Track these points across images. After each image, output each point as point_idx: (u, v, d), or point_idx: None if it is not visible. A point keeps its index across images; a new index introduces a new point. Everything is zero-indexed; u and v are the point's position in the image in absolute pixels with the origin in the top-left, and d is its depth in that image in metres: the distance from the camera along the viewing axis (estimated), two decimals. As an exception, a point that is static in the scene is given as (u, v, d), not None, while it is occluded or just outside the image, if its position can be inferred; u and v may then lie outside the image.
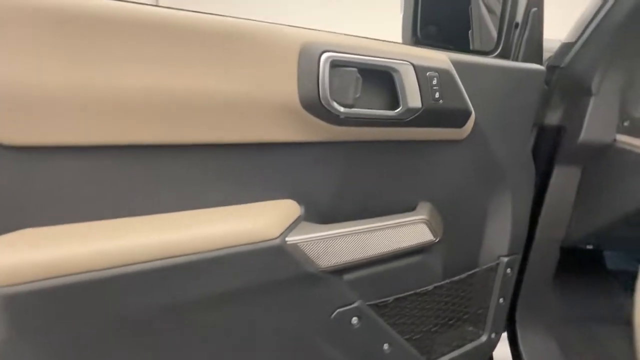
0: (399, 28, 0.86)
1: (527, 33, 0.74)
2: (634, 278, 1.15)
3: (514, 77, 0.74)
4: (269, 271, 0.54)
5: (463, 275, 0.80)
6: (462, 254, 0.81)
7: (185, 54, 0.46)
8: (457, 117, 0.67)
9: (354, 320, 0.64)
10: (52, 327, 0.43)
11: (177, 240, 0.48)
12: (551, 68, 0.82)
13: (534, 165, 0.84)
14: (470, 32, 0.85)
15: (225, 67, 0.49)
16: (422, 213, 0.68)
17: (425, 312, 0.76)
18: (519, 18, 0.74)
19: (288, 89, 0.52)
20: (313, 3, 3.50)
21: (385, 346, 0.69)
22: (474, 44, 0.86)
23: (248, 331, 0.56)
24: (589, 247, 1.08)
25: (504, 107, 0.75)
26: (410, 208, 0.70)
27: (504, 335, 0.96)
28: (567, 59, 0.81)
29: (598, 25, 0.76)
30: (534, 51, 0.76)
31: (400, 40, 0.85)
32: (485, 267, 0.82)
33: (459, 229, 0.77)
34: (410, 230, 0.66)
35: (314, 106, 0.53)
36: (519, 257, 0.87)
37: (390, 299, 0.69)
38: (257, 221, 0.53)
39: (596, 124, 0.81)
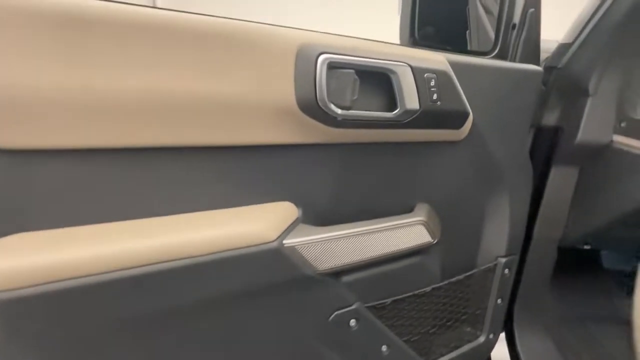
0: (397, 28, 0.86)
1: (524, 34, 0.74)
2: (631, 277, 1.16)
3: (511, 78, 0.74)
4: (266, 274, 0.53)
5: (461, 276, 0.80)
6: (460, 255, 0.81)
7: (181, 55, 0.46)
8: (455, 119, 0.67)
9: (352, 322, 0.64)
10: (49, 332, 0.42)
11: (173, 244, 0.47)
12: (548, 69, 0.82)
13: (531, 166, 0.84)
14: (467, 32, 0.85)
15: (222, 69, 0.48)
16: (419, 214, 0.68)
17: (423, 313, 0.76)
18: (517, 19, 0.74)
19: (285, 90, 0.52)
20: (312, 3, 3.49)
21: (384, 348, 0.69)
22: (472, 45, 0.86)
23: (246, 334, 0.56)
24: (586, 247, 1.08)
25: (501, 108, 0.75)
26: (408, 209, 0.69)
27: (502, 335, 0.96)
28: (565, 59, 0.81)
29: (595, 26, 0.76)
30: (532, 52, 0.76)
31: (397, 41, 0.85)
32: (483, 267, 0.83)
33: (456, 230, 0.77)
34: (408, 232, 0.66)
35: (311, 108, 0.53)
36: (516, 257, 0.87)
37: (389, 300, 0.69)
38: (255, 224, 0.53)
39: (593, 125, 0.82)
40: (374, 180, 0.65)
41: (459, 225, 0.78)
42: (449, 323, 0.82)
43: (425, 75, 0.60)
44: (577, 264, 1.19)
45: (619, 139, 0.83)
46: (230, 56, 0.48)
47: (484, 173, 0.77)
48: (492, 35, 0.76)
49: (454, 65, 0.65)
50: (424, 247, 0.69)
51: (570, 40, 0.80)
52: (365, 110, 0.58)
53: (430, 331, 0.79)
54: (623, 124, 0.82)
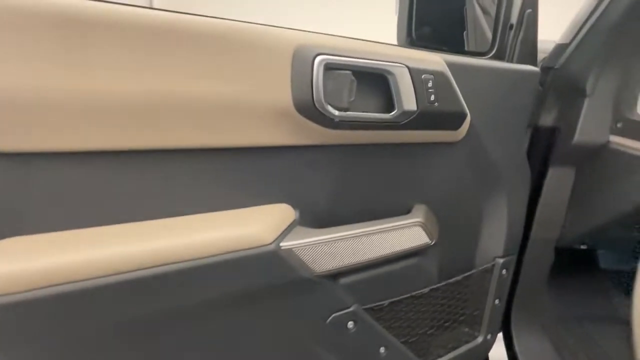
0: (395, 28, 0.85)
1: (521, 34, 0.74)
2: (628, 277, 1.17)
3: (509, 79, 0.74)
4: (263, 277, 0.53)
5: (459, 277, 0.80)
6: (458, 255, 0.81)
7: (175, 56, 0.46)
8: (453, 120, 0.67)
9: (350, 324, 0.64)
10: (47, 336, 0.42)
11: (170, 247, 0.47)
12: (545, 69, 0.82)
13: (529, 167, 0.84)
14: (465, 33, 0.85)
15: (217, 70, 0.48)
16: (417, 216, 0.68)
17: (421, 314, 0.76)
18: (514, 19, 0.74)
19: (282, 92, 0.52)
20: (310, 3, 3.48)
21: (382, 350, 0.69)
22: (469, 45, 0.86)
23: (244, 337, 0.55)
24: (583, 247, 1.08)
25: (499, 108, 0.75)
26: (405, 211, 0.69)
27: (499, 335, 0.96)
28: (562, 60, 0.81)
29: (592, 27, 0.76)
30: (529, 52, 0.76)
31: (395, 41, 0.84)
32: (481, 268, 0.83)
33: (454, 231, 0.77)
34: (406, 233, 0.65)
35: (308, 110, 0.53)
36: (514, 258, 0.87)
37: (386, 302, 0.68)
38: (251, 226, 0.52)
39: (590, 125, 0.82)
40: (371, 182, 0.65)
41: (457, 226, 0.78)
42: (446, 324, 0.82)
43: (422, 76, 0.60)
44: (574, 263, 1.20)
45: (615, 139, 0.83)
46: (225, 57, 0.48)
47: (481, 174, 0.77)
48: (489, 35, 0.76)
49: (451, 66, 0.64)
50: (422, 248, 0.69)
51: (567, 41, 0.80)
52: (363, 112, 0.58)
53: (428, 332, 0.78)
54: (619, 125, 0.83)
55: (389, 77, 0.58)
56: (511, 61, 0.76)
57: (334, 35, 0.56)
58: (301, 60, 0.51)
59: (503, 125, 0.76)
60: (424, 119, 0.61)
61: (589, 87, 0.80)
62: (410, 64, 0.59)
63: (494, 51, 0.75)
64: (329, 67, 0.53)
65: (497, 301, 0.85)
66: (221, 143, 0.51)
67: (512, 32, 0.74)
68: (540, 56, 0.82)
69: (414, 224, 0.66)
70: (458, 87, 0.65)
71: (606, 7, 0.75)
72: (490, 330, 0.86)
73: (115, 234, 0.46)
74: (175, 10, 0.46)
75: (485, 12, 0.82)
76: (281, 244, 0.53)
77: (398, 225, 0.65)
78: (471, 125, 0.70)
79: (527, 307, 0.96)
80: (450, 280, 0.78)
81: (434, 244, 0.70)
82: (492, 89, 0.72)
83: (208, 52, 0.47)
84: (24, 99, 0.40)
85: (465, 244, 0.82)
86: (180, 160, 0.50)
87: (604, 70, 0.80)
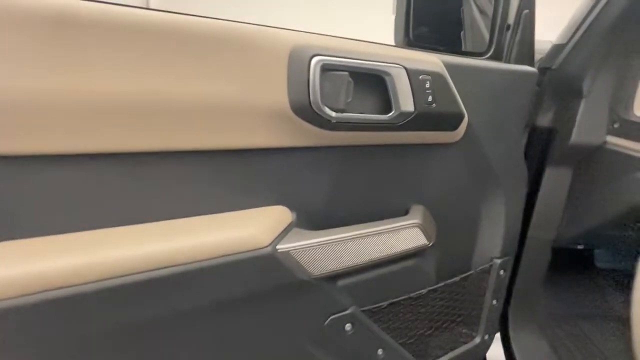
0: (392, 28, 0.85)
1: (518, 35, 0.74)
2: (624, 276, 1.17)
3: (506, 79, 0.74)
4: (260, 280, 0.53)
5: (457, 278, 0.79)
6: (456, 256, 0.81)
7: (171, 57, 0.45)
8: (450, 120, 0.66)
9: (348, 326, 0.63)
10: (40, 341, 0.41)
11: (165, 250, 0.46)
12: (542, 69, 0.82)
13: (526, 167, 0.84)
14: (462, 33, 0.85)
15: (213, 71, 0.47)
16: (415, 217, 0.67)
17: (419, 315, 0.75)
18: (511, 20, 0.74)
19: (278, 93, 0.51)
20: (307, 3, 3.47)
21: (379, 351, 0.69)
22: (466, 45, 0.85)
23: (240, 340, 0.55)
24: (579, 246, 1.09)
25: (496, 109, 0.74)
26: (403, 212, 0.69)
27: (497, 335, 0.96)
28: (559, 60, 0.81)
29: (589, 27, 0.76)
30: (526, 53, 0.76)
31: (392, 41, 0.84)
32: (478, 269, 0.82)
33: (452, 232, 0.77)
34: (403, 234, 0.65)
35: (305, 111, 0.52)
36: (511, 258, 0.87)
37: (384, 303, 0.68)
38: (248, 229, 0.52)
39: (587, 126, 0.82)
40: (368, 183, 0.65)
41: (455, 227, 0.78)
42: (444, 325, 0.81)
43: (420, 77, 0.60)
44: (570, 263, 1.20)
45: (612, 139, 0.83)
46: (221, 58, 0.47)
47: (479, 174, 0.77)
48: (486, 36, 0.76)
49: (448, 66, 0.64)
50: (420, 249, 0.68)
51: (564, 41, 0.80)
52: (360, 113, 0.57)
53: (426, 333, 0.78)
54: (616, 125, 0.83)
55: (386, 78, 0.58)
56: (508, 62, 0.75)
57: (330, 36, 0.56)
58: (297, 61, 0.51)
59: (500, 125, 0.76)
60: (421, 120, 0.61)
61: (585, 88, 0.80)
62: (408, 65, 0.59)
63: (491, 51, 0.75)
64: (325, 68, 0.53)
65: (494, 301, 0.85)
66: (217, 145, 0.50)
67: (509, 32, 0.74)
68: (537, 56, 0.82)
69: (412, 225, 0.66)
70: (455, 87, 0.65)
71: (603, 8, 0.75)
72: (488, 331, 0.86)
73: (110, 238, 0.46)
74: (173, 10, 0.46)
75: (482, 12, 0.82)
76: (278, 247, 0.53)
77: (396, 226, 0.64)
78: (469, 126, 0.70)
79: (524, 306, 0.96)
80: (448, 281, 0.78)
81: (431, 245, 0.70)
82: (490, 89, 0.72)
83: (203, 53, 0.46)
84: (18, 100, 0.39)
85: (463, 244, 0.82)
86: (176, 162, 0.49)
87: (601, 71, 0.80)
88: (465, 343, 0.84)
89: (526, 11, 0.73)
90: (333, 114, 0.54)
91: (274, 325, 0.57)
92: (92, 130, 0.43)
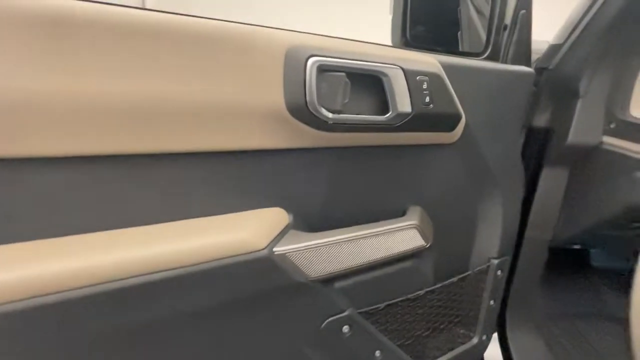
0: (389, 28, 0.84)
1: (515, 35, 0.74)
2: (620, 275, 1.18)
3: (503, 80, 0.74)
4: (257, 283, 0.52)
5: (454, 279, 0.79)
6: (453, 257, 0.81)
7: (166, 57, 0.44)
8: (448, 121, 0.66)
9: (345, 328, 0.63)
10: (33, 346, 0.40)
11: (160, 254, 0.46)
12: (539, 70, 0.82)
13: (523, 167, 0.84)
14: (459, 33, 0.84)
15: (208, 71, 0.47)
16: (412, 218, 0.67)
17: (416, 317, 0.75)
18: (508, 20, 0.74)
19: (274, 94, 0.51)
20: (305, 3, 3.46)
21: (377, 353, 0.69)
22: (463, 46, 0.85)
23: (237, 344, 0.54)
24: (576, 246, 1.09)
25: (493, 109, 0.74)
26: (400, 213, 0.69)
27: (494, 335, 0.96)
28: (555, 60, 0.81)
29: (586, 27, 0.76)
30: (523, 53, 0.76)
31: (389, 41, 0.84)
32: (476, 270, 0.82)
33: (449, 233, 0.77)
34: (401, 236, 0.65)
35: (301, 112, 0.52)
36: (509, 258, 0.87)
37: (382, 305, 0.68)
38: (244, 231, 0.51)
39: (583, 126, 0.82)
40: (366, 184, 0.64)
41: (452, 228, 0.78)
42: (442, 326, 0.81)
43: (417, 78, 0.59)
44: (566, 262, 1.21)
45: (608, 140, 0.83)
46: (216, 58, 0.47)
47: (476, 175, 0.77)
48: (483, 36, 0.76)
49: (445, 67, 0.64)
50: (417, 250, 0.68)
51: (561, 42, 0.80)
52: (357, 114, 0.57)
53: (424, 334, 0.78)
54: (612, 125, 0.83)
55: (384, 78, 0.57)
56: (505, 62, 0.75)
57: (327, 36, 0.55)
58: (294, 62, 0.50)
59: (498, 126, 0.76)
60: (419, 121, 0.61)
61: (582, 88, 0.80)
62: (405, 66, 0.59)
63: (488, 52, 0.74)
64: (322, 69, 0.52)
65: (492, 302, 0.85)
66: (212, 146, 0.50)
67: (506, 32, 0.74)
68: (534, 57, 0.82)
69: (409, 227, 0.66)
70: (453, 88, 0.65)
71: (599, 8, 0.75)
72: (485, 331, 0.86)
73: (104, 241, 0.45)
74: (168, 10, 0.45)
75: (479, 12, 0.82)
76: (275, 249, 0.52)
77: (393, 228, 0.64)
78: (466, 126, 0.69)
79: (521, 306, 0.96)
80: (446, 282, 0.78)
81: (429, 246, 0.70)
82: (487, 90, 0.72)
83: (198, 53, 0.46)
84: (14, 102, 0.38)
85: (460, 245, 0.81)
86: (171, 164, 0.48)
87: (597, 71, 0.80)
88: (463, 344, 0.84)
89: (523, 11, 0.73)
90: (330, 115, 0.53)
91: (271, 328, 0.56)
92: (86, 133, 0.42)
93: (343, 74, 0.53)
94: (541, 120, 0.85)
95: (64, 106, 0.41)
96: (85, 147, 0.43)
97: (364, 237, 0.61)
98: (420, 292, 0.73)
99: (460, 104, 0.66)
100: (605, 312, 1.09)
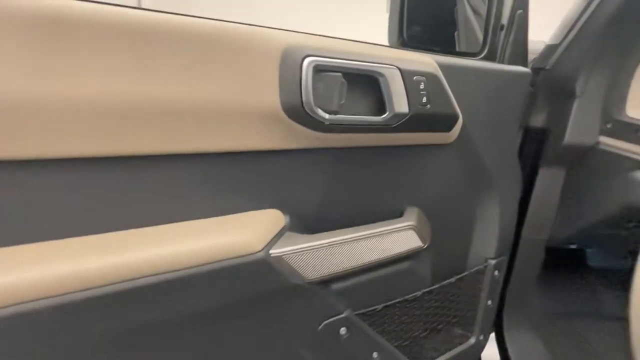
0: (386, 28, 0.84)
1: (512, 35, 0.74)
2: (617, 275, 1.18)
3: (500, 80, 0.74)
4: (253, 286, 0.52)
5: (452, 279, 0.79)
6: (451, 258, 0.81)
7: (163, 57, 0.44)
8: (445, 122, 0.66)
9: (343, 330, 0.63)
10: (30, 350, 0.40)
11: (156, 256, 0.45)
12: (536, 70, 0.82)
13: (520, 168, 0.84)
14: (456, 33, 0.84)
15: (204, 72, 0.46)
16: (410, 219, 0.67)
17: (414, 317, 0.75)
18: (505, 20, 0.74)
19: (269, 95, 0.50)
20: (302, 3, 3.45)
21: (375, 355, 0.68)
22: (460, 46, 0.85)
23: (234, 347, 0.54)
24: (572, 246, 1.09)
25: (490, 109, 0.74)
26: (398, 214, 0.69)
27: (492, 335, 0.96)
28: (552, 60, 0.81)
29: (582, 28, 0.77)
30: (520, 53, 0.76)
31: (386, 41, 0.83)
32: (473, 270, 0.82)
33: (447, 233, 0.77)
34: (398, 237, 0.65)
35: (297, 113, 0.51)
36: (506, 259, 0.87)
37: (379, 306, 0.68)
38: (240, 234, 0.51)
39: (580, 126, 0.82)
40: (362, 185, 0.64)
41: (449, 229, 0.78)
42: (440, 326, 0.81)
43: (414, 78, 0.59)
44: (563, 262, 1.21)
45: (604, 140, 0.84)
46: (211, 58, 0.46)
47: (473, 175, 0.77)
48: (480, 36, 0.76)
49: (442, 67, 0.64)
50: (415, 251, 0.68)
51: (557, 42, 0.81)
52: (354, 115, 0.56)
53: (422, 335, 0.78)
54: (609, 125, 0.83)
55: (380, 79, 0.57)
56: (502, 62, 0.75)
57: (323, 36, 0.55)
58: (289, 62, 0.50)
59: (495, 126, 0.76)
60: (416, 121, 0.61)
61: (578, 88, 0.80)
62: (402, 66, 0.58)
63: (485, 52, 0.74)
64: (318, 69, 0.52)
65: (489, 302, 0.85)
66: (207, 148, 0.49)
67: (503, 32, 0.74)
68: (530, 57, 0.82)
69: (407, 228, 0.66)
70: (450, 88, 0.64)
71: (596, 8, 0.75)
72: (483, 331, 0.86)
73: (99, 244, 0.44)
74: (165, 10, 0.44)
75: (476, 12, 0.82)
76: (271, 251, 0.52)
77: (390, 229, 0.64)
78: (463, 126, 0.69)
79: (519, 306, 0.97)
80: (443, 283, 0.78)
81: (426, 247, 0.69)
82: (484, 90, 0.72)
83: (194, 53, 0.45)
84: (12, 103, 0.38)
85: (457, 245, 0.81)
86: (166, 166, 0.48)
87: (594, 71, 0.80)
88: (460, 344, 0.84)
89: (520, 11, 0.73)
90: (326, 115, 0.53)
91: (268, 330, 0.56)
92: (83, 134, 0.41)
93: (339, 74, 0.53)
94: (538, 120, 0.85)
95: (61, 107, 0.40)
96: (81, 149, 0.42)
97: (361, 239, 0.60)
98: (417, 293, 0.73)
99: (457, 104, 0.66)
100: (602, 311, 1.09)
